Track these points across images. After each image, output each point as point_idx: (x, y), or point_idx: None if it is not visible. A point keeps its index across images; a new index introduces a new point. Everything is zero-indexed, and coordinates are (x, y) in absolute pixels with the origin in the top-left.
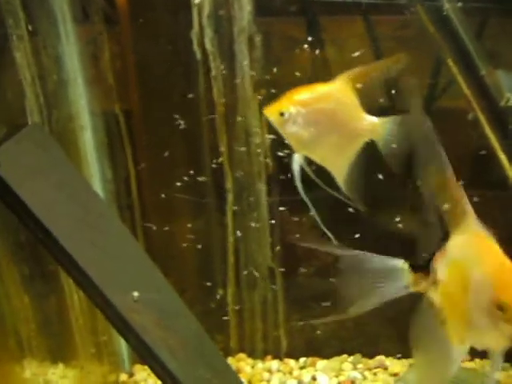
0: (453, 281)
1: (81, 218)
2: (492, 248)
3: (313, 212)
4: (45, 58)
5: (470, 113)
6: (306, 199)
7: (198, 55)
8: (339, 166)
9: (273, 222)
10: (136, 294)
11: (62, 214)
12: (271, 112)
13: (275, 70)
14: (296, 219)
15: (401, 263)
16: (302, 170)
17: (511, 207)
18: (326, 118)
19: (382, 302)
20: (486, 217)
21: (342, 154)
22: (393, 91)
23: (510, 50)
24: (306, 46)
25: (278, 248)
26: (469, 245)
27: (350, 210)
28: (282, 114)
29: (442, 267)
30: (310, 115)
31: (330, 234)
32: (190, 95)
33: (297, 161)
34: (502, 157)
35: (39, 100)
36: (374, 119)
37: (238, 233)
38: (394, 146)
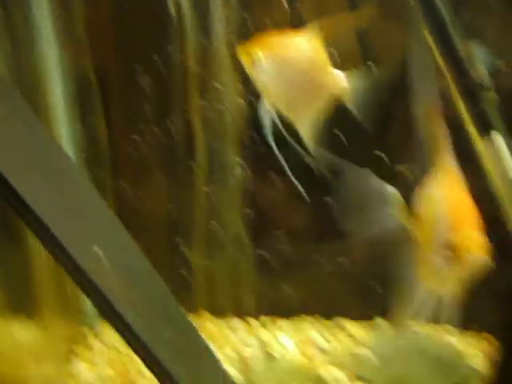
0: (424, 216)
1: (45, 172)
2: (455, 186)
3: (283, 164)
4: (13, 8)
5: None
6: (276, 150)
7: (173, 13)
8: (304, 119)
9: (244, 185)
10: (99, 250)
11: (25, 168)
12: (242, 52)
13: (251, 30)
14: (269, 183)
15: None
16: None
17: (479, 179)
18: (293, 68)
19: (375, 228)
20: None
21: (306, 107)
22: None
23: (487, 23)
24: (283, 4)
25: (248, 210)
26: (439, 181)
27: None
28: (250, 56)
29: (419, 201)
30: (276, 63)
31: (301, 189)
32: (164, 54)
33: (265, 107)
34: (472, 130)
35: (6, 53)
36: (340, 73)
37: (208, 193)
38: (362, 100)
